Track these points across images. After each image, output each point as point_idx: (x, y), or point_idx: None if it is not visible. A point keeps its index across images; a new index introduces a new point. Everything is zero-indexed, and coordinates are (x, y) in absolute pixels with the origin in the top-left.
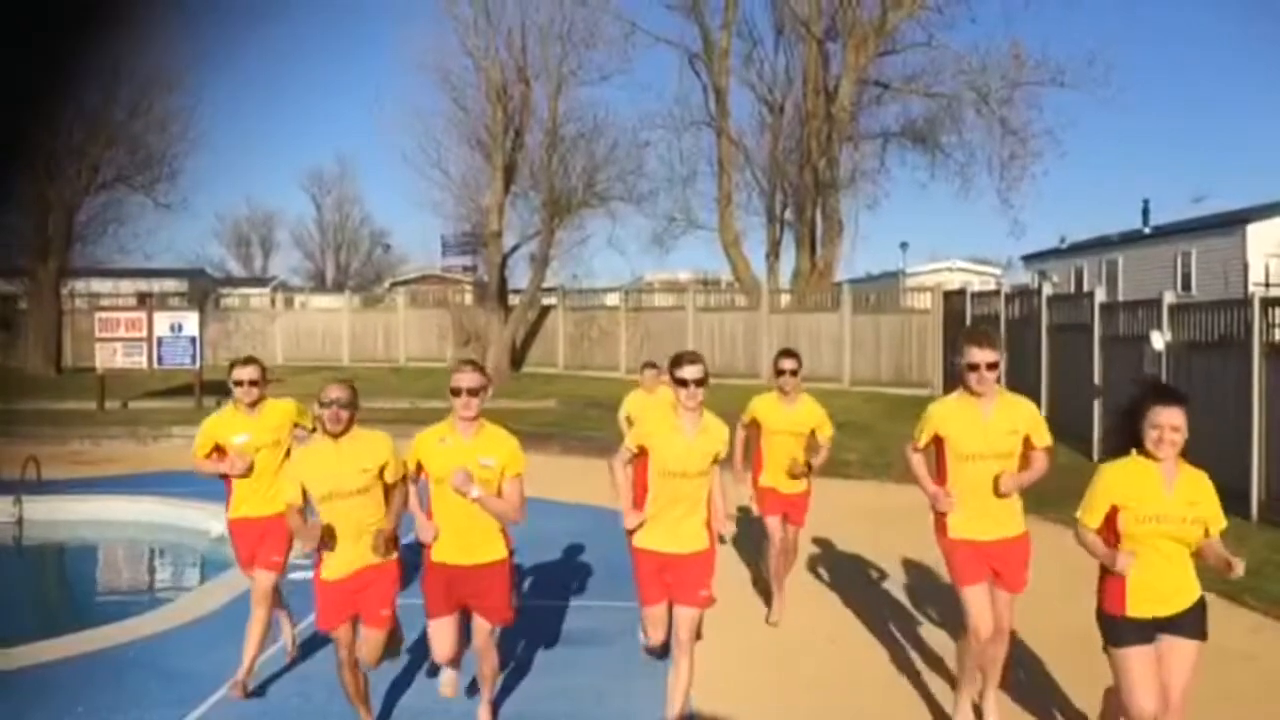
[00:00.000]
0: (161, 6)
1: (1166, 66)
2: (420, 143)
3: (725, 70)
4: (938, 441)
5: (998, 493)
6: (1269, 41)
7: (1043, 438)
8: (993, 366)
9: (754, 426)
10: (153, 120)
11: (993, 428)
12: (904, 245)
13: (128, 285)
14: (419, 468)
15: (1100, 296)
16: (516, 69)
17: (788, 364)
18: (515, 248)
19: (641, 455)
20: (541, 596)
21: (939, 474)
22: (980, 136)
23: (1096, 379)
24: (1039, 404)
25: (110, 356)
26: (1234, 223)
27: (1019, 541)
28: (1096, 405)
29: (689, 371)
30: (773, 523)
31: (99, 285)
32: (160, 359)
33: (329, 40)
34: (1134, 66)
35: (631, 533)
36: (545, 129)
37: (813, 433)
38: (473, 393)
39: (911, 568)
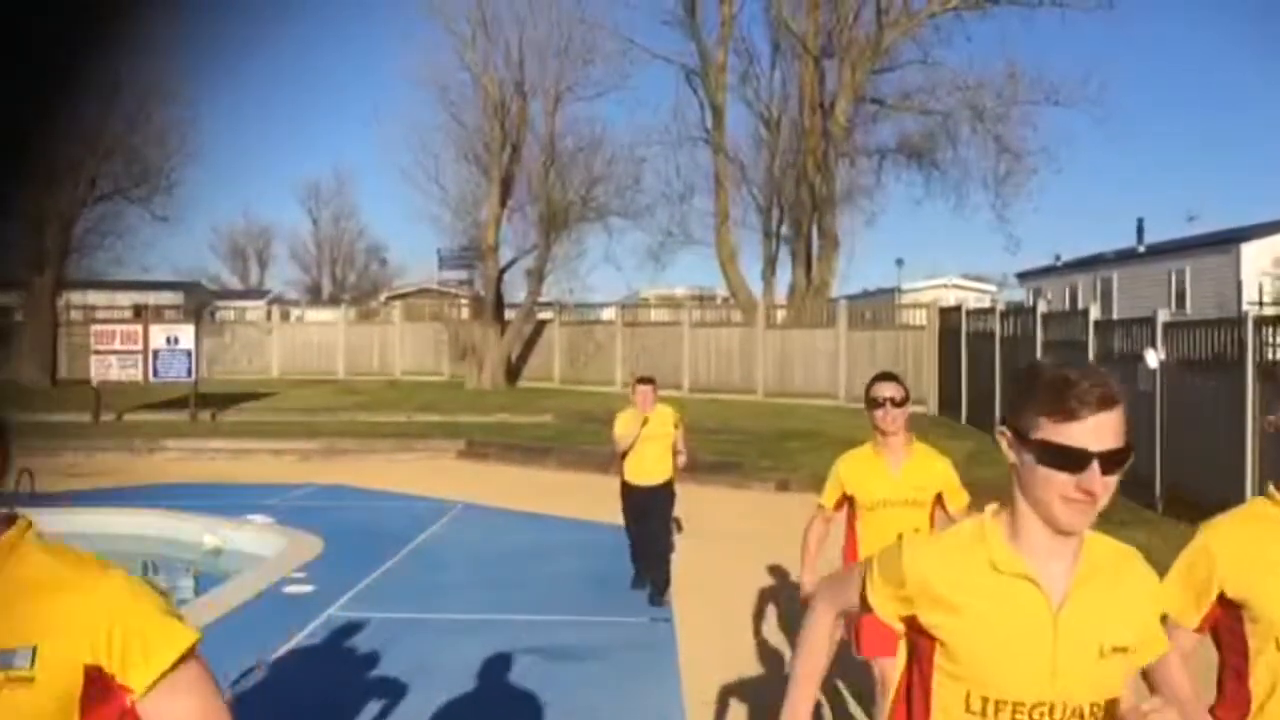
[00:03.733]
0: (160, 20)
1: (1162, 86)
2: (418, 157)
3: (722, 87)
4: (1224, 605)
5: None
6: (1263, 61)
7: None
8: None
9: (840, 505)
10: (150, 133)
11: None
12: (900, 262)
13: (124, 298)
14: None
15: (1095, 314)
16: (514, 84)
17: (888, 390)
18: (512, 262)
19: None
20: (536, 611)
21: (1227, 662)
22: (976, 154)
23: None
24: None
25: (105, 369)
26: (1228, 241)
27: None
28: None
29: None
30: (884, 665)
31: (95, 297)
32: (156, 372)
33: (327, 54)
34: (1129, 85)
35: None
36: (542, 144)
37: (938, 501)
38: None
39: None
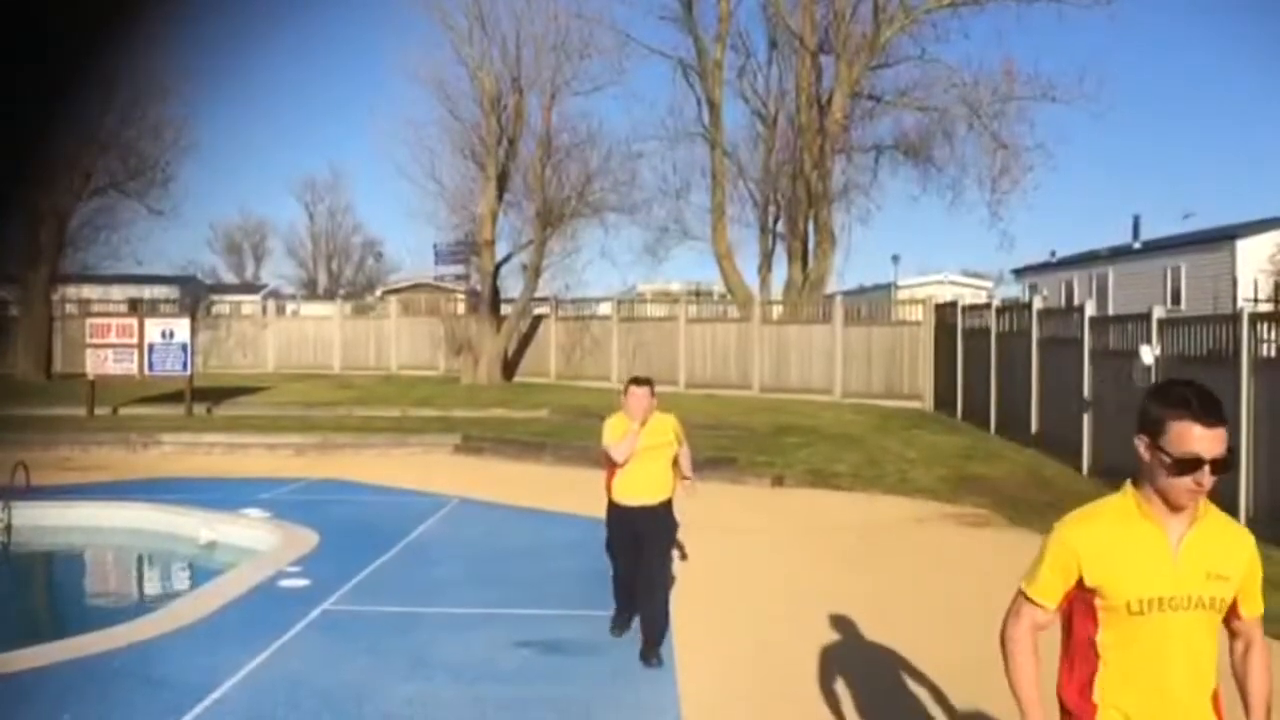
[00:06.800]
0: (157, 15)
1: (1157, 82)
2: (414, 152)
3: (719, 82)
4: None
5: None
6: (1259, 59)
7: None
8: None
9: (1066, 602)
10: (146, 127)
11: None
12: (896, 258)
13: (119, 291)
14: None
15: (1090, 310)
16: (511, 79)
17: (1216, 443)
18: (508, 257)
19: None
20: (532, 605)
21: None
22: (972, 150)
23: (1085, 392)
24: (1028, 417)
25: (101, 363)
26: (1223, 238)
27: None
28: (1085, 418)
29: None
30: None
31: (90, 291)
32: (151, 365)
33: (324, 49)
34: (1125, 82)
35: None
36: (539, 139)
37: (1234, 607)
38: None
39: (901, 582)
